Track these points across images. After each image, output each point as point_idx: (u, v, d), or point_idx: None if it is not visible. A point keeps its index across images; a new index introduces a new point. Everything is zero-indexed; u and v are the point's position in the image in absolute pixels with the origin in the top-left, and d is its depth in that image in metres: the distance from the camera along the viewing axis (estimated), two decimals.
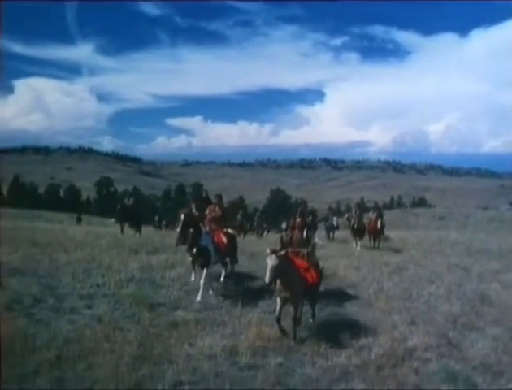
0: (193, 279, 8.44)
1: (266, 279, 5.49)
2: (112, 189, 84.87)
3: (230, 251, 8.75)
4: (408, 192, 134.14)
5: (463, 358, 5.56)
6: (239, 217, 21.36)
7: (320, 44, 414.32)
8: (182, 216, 7.76)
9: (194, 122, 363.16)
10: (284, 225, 20.73)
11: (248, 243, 15.40)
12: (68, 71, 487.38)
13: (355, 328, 6.46)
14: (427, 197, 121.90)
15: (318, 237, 19.56)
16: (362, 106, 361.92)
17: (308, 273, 6.12)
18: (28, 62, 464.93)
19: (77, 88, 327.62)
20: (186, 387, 4.57)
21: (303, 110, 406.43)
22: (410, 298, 8.19)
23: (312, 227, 20.59)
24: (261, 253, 9.75)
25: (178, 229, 7.80)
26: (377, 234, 14.71)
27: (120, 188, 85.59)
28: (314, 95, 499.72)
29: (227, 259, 8.92)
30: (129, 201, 17.76)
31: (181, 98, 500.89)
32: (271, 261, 5.50)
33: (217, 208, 9.15)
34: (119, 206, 16.98)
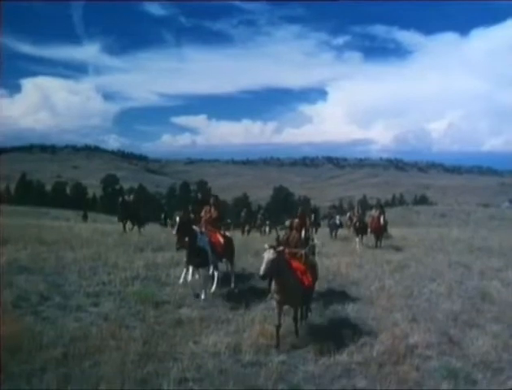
0: (187, 278, 8.17)
1: (261, 271, 5.40)
2: (118, 187, 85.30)
3: (227, 253, 8.61)
4: (410, 190, 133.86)
5: (464, 356, 5.59)
6: (243, 215, 21.32)
7: (323, 43, 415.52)
8: (177, 219, 7.65)
9: (199, 120, 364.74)
10: (287, 223, 20.64)
11: (252, 240, 15.47)
12: (75, 70, 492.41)
13: (357, 326, 6.53)
14: (428, 194, 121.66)
15: (321, 235, 19.59)
16: (364, 105, 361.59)
17: (304, 276, 5.98)
18: (36, 62, 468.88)
19: (84, 87, 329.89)
20: (190, 384, 4.62)
21: (306, 109, 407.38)
22: (412, 296, 8.23)
23: (314, 225, 20.71)
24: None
25: (174, 232, 7.71)
26: (379, 232, 14.68)
27: (126, 186, 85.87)
28: (316, 94, 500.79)
29: (224, 261, 8.79)
30: (129, 198, 17.70)
31: (186, 97, 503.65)
32: (268, 254, 5.44)
33: (213, 209, 9.03)
34: (120, 200, 16.84)
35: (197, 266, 7.83)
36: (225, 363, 5.13)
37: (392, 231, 17.24)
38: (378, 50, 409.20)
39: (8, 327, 5.21)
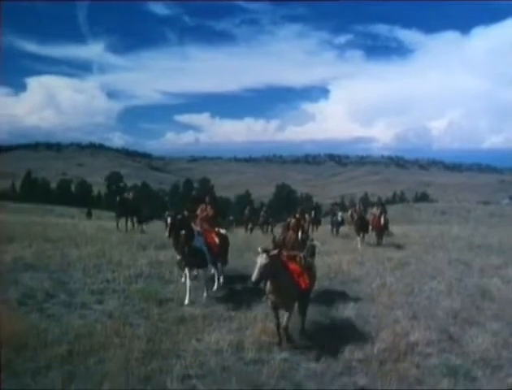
0: (183, 280, 8.11)
1: (253, 276, 5.16)
2: (122, 184, 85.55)
3: (222, 253, 8.47)
4: (410, 187, 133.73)
5: (463, 353, 5.62)
6: (246, 212, 21.25)
7: (325, 42, 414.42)
8: (169, 219, 7.53)
9: (202, 118, 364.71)
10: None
11: (255, 238, 15.52)
12: (79, 69, 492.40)
13: (358, 323, 6.58)
14: (429, 192, 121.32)
15: (322, 232, 19.61)
16: (365, 103, 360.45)
17: (301, 278, 5.77)
18: (41, 61, 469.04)
19: (88, 85, 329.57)
20: (194, 382, 4.68)
21: (308, 107, 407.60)
22: (412, 293, 8.27)
23: (315, 223, 20.72)
24: None
25: (166, 234, 7.58)
26: (380, 230, 14.66)
27: (130, 183, 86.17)
28: (318, 92, 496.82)
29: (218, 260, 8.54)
30: (129, 195, 17.53)
31: (189, 95, 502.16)
32: (260, 259, 5.21)
33: (209, 207, 8.94)
34: (118, 198, 16.62)
35: (195, 268, 7.71)
36: (228, 360, 5.19)
37: (393, 228, 17.24)
38: (379, 49, 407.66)
39: (14, 324, 5.28)
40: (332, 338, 5.89)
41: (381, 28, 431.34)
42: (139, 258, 9.91)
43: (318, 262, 10.52)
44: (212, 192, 71.56)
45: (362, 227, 14.54)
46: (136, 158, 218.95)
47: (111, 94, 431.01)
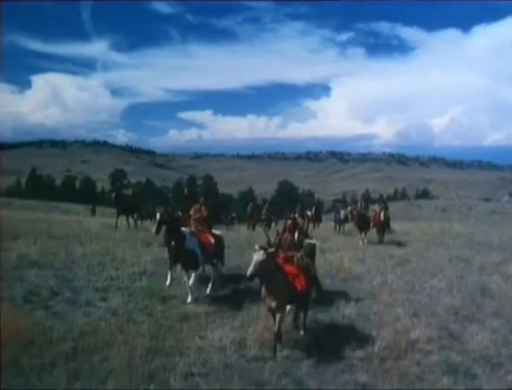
0: (168, 283, 7.90)
1: (249, 271, 5.10)
2: (126, 181, 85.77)
3: (217, 253, 8.28)
4: (412, 184, 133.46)
5: (464, 350, 5.66)
6: (249, 209, 21.19)
7: (327, 40, 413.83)
8: (158, 215, 7.41)
9: (205, 115, 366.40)
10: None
11: (257, 235, 15.51)
12: (84, 66, 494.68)
13: (359, 321, 6.62)
14: (430, 188, 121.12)
15: (325, 229, 19.59)
16: (367, 100, 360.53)
17: (297, 280, 5.62)
18: (46, 59, 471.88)
19: (92, 83, 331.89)
20: (197, 379, 4.73)
21: (310, 104, 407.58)
22: (413, 291, 8.30)
23: (316, 220, 20.67)
24: None
25: (153, 230, 7.49)
26: (381, 227, 14.60)
27: (133, 180, 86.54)
28: (320, 89, 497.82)
29: (214, 261, 8.36)
30: (128, 192, 17.36)
31: (192, 93, 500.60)
32: (257, 255, 5.16)
33: (203, 208, 8.78)
34: (113, 195, 16.20)
35: (186, 269, 7.53)
36: (230, 358, 5.24)
37: (395, 225, 17.20)
38: (381, 47, 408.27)
39: (19, 321, 5.35)
40: (333, 336, 5.94)
41: (383, 26, 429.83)
42: (143, 256, 9.97)
43: (320, 259, 10.58)
44: (216, 189, 71.69)
45: (362, 224, 14.49)
46: (139, 155, 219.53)
47: (115, 92, 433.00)
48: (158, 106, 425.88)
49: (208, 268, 8.51)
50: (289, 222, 6.52)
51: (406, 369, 5.08)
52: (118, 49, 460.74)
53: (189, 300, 7.22)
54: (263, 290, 5.43)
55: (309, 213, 21.27)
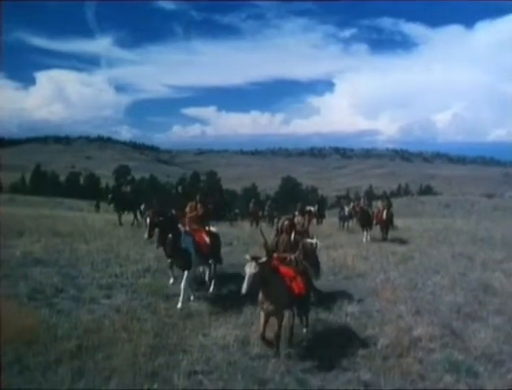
0: (171, 282, 7.95)
1: (243, 289, 4.79)
2: (130, 177, 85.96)
3: (213, 251, 8.06)
4: (415, 180, 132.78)
5: (466, 348, 5.63)
6: (251, 205, 21.11)
7: (330, 36, 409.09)
8: (148, 219, 7.27)
9: (208, 111, 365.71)
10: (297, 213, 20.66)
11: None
12: (88, 63, 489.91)
13: (362, 318, 6.62)
14: (433, 184, 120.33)
15: (328, 225, 19.54)
16: (370, 96, 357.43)
17: (294, 282, 5.44)
18: (50, 55, 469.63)
19: (96, 79, 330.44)
20: (200, 377, 4.75)
21: (313, 100, 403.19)
22: (416, 288, 8.29)
23: (319, 216, 20.60)
24: None
25: (145, 235, 7.29)
26: (384, 225, 14.54)
27: (137, 176, 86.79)
28: (324, 85, 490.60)
29: (210, 260, 8.22)
30: (126, 188, 17.19)
31: (196, 89, 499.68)
32: (249, 268, 4.87)
33: (199, 206, 8.59)
34: (110, 196, 15.97)
35: (181, 269, 7.41)
36: (234, 356, 5.25)
37: (398, 221, 17.14)
38: (384, 43, 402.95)
39: (24, 319, 5.39)
40: (336, 334, 5.94)
41: (386, 22, 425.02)
42: (146, 253, 10.00)
43: (323, 256, 10.57)
44: (219, 185, 71.65)
45: (365, 221, 14.43)
46: (143, 151, 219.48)
47: (119, 88, 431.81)
48: (161, 102, 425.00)
49: (204, 268, 8.46)
50: (286, 223, 6.35)
51: (409, 367, 5.08)
52: (122, 46, 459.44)
53: (179, 305, 6.89)
54: (260, 297, 5.24)
55: (312, 209, 21.29)
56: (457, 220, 23.48)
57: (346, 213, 18.18)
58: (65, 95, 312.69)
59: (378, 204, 16.19)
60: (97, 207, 34.76)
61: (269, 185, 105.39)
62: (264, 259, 5.06)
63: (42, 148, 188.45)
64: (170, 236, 7.18)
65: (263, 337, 5.28)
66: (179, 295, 7.29)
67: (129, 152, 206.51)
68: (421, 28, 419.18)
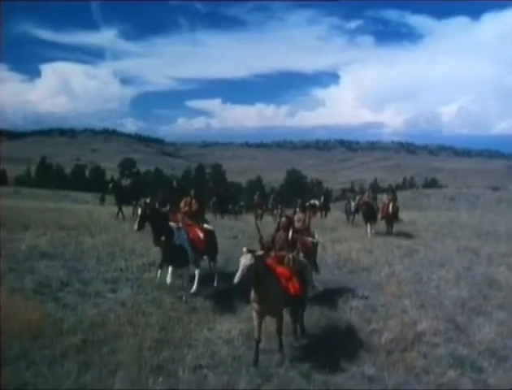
0: (167, 280, 7.49)
1: (236, 278, 4.67)
2: (135, 170, 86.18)
3: (208, 249, 7.86)
4: (420, 173, 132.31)
5: (470, 343, 5.63)
6: (256, 197, 20.99)
7: (335, 28, 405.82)
8: (139, 211, 7.01)
9: (213, 104, 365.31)
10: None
11: (265, 226, 15.49)
12: (93, 55, 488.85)
13: (367, 313, 6.60)
14: (438, 177, 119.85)
15: (333, 219, 19.47)
16: (376, 89, 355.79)
17: (290, 283, 5.26)
18: (55, 48, 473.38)
19: (101, 71, 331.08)
20: (205, 371, 4.78)
21: (319, 93, 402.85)
22: (421, 282, 8.26)
23: (324, 209, 20.52)
24: None
25: (135, 227, 7.02)
26: (389, 219, 14.43)
27: (143, 169, 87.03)
28: (329, 78, 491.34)
29: (206, 258, 8.07)
30: (127, 182, 17.03)
31: (201, 81, 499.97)
32: (245, 260, 4.76)
33: (193, 201, 8.41)
34: (110, 186, 15.75)
35: (176, 267, 7.25)
36: (238, 350, 5.28)
37: (403, 214, 17.04)
38: (390, 35, 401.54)
39: (30, 313, 5.43)
40: (341, 328, 5.93)
41: (392, 14, 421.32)
42: (151, 247, 9.96)
43: (328, 250, 10.53)
44: (224, 178, 71.61)
45: (369, 215, 14.31)
46: (148, 144, 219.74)
47: (124, 80, 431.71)
48: (166, 95, 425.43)
49: (204, 264, 8.19)
50: (284, 220, 6.18)
51: (413, 361, 5.08)
52: (127, 38, 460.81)
53: (184, 298, 6.85)
54: (252, 295, 5.05)
55: (317, 202, 21.20)
56: (462, 213, 23.39)
57: (352, 208, 17.98)
58: (70, 87, 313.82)
59: (383, 197, 16.05)
60: (103, 200, 34.86)
61: (274, 178, 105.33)
62: (261, 252, 5.03)
63: (47, 140, 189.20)
64: (163, 238, 6.97)
65: (259, 340, 5.10)
66: (183, 289, 7.24)
67: (134, 144, 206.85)
68: (427, 20, 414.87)
